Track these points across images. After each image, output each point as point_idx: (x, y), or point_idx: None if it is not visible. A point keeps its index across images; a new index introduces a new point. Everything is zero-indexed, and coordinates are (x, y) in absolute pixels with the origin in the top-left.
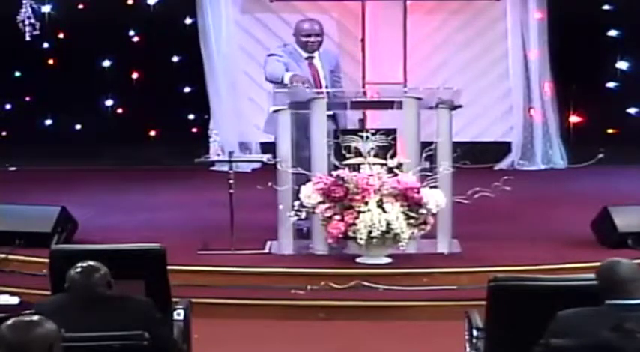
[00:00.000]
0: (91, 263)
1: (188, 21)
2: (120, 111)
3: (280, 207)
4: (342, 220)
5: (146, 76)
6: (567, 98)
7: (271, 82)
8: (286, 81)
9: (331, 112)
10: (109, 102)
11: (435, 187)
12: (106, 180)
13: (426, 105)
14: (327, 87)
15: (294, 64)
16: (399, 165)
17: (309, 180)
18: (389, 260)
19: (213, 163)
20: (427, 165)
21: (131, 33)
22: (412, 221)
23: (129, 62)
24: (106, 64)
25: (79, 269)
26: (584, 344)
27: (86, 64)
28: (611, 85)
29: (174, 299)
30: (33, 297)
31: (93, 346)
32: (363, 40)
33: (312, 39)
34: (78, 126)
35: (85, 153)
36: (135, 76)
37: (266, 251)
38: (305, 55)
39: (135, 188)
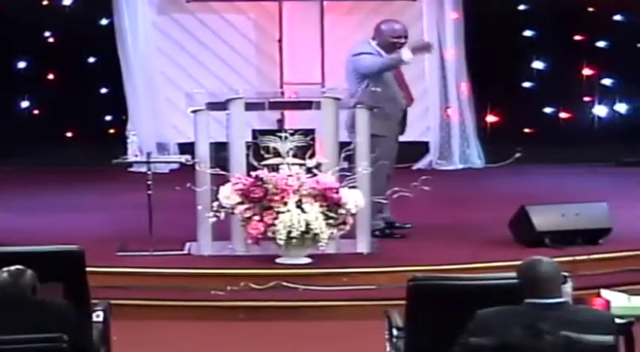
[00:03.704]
0: (19, 267)
1: (104, 21)
2: (36, 112)
3: (199, 207)
4: (262, 221)
5: (62, 77)
6: (484, 98)
7: (374, 73)
8: (406, 58)
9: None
10: (24, 104)
11: (353, 187)
12: (22, 182)
13: (345, 106)
14: None
15: None
16: (318, 166)
17: None
18: (308, 260)
19: (131, 164)
20: (346, 165)
21: (47, 33)
22: (331, 221)
23: (45, 63)
24: (22, 65)
25: (5, 274)
26: (502, 342)
27: (1, 64)
28: (527, 84)
29: (93, 301)
30: None
31: (11, 349)
32: (280, 40)
33: (402, 40)
34: None
35: (0, 154)
36: (51, 76)
37: (185, 252)
38: (384, 55)
39: (52, 189)
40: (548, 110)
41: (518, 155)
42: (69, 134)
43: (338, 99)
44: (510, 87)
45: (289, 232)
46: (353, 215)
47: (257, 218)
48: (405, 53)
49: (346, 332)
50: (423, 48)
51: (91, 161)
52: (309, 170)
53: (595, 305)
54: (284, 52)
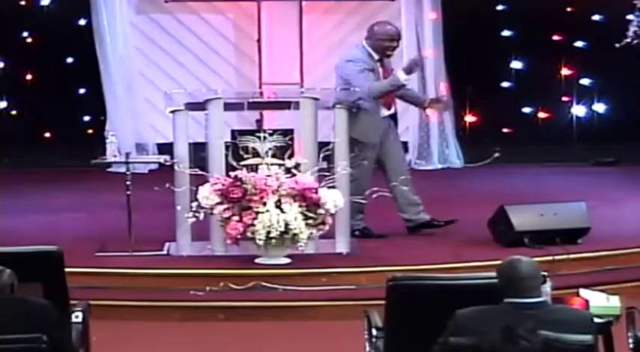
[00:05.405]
0: None
1: (82, 21)
2: (14, 112)
3: (178, 208)
4: (241, 221)
5: (40, 77)
6: (463, 98)
7: (372, 97)
8: (404, 79)
9: (392, 111)
10: (2, 104)
11: (332, 187)
12: (0, 182)
13: (323, 106)
14: None
15: (374, 68)
16: (297, 166)
17: None
18: (288, 260)
19: (110, 164)
20: (325, 165)
21: (25, 33)
22: (310, 221)
23: (23, 63)
24: (0, 65)
25: None
26: (481, 342)
27: None
28: (506, 84)
29: (72, 302)
30: None
31: None
32: (259, 40)
33: (395, 44)
34: None
35: None
36: (29, 77)
37: (164, 252)
38: (376, 57)
39: (31, 190)
40: (526, 110)
41: (496, 155)
42: (47, 134)
43: (316, 99)
44: (489, 87)
45: (268, 232)
46: (332, 215)
47: (236, 218)
48: (402, 75)
49: (326, 332)
50: (414, 65)
51: (69, 161)
52: (288, 170)
53: (574, 304)
54: (263, 52)
